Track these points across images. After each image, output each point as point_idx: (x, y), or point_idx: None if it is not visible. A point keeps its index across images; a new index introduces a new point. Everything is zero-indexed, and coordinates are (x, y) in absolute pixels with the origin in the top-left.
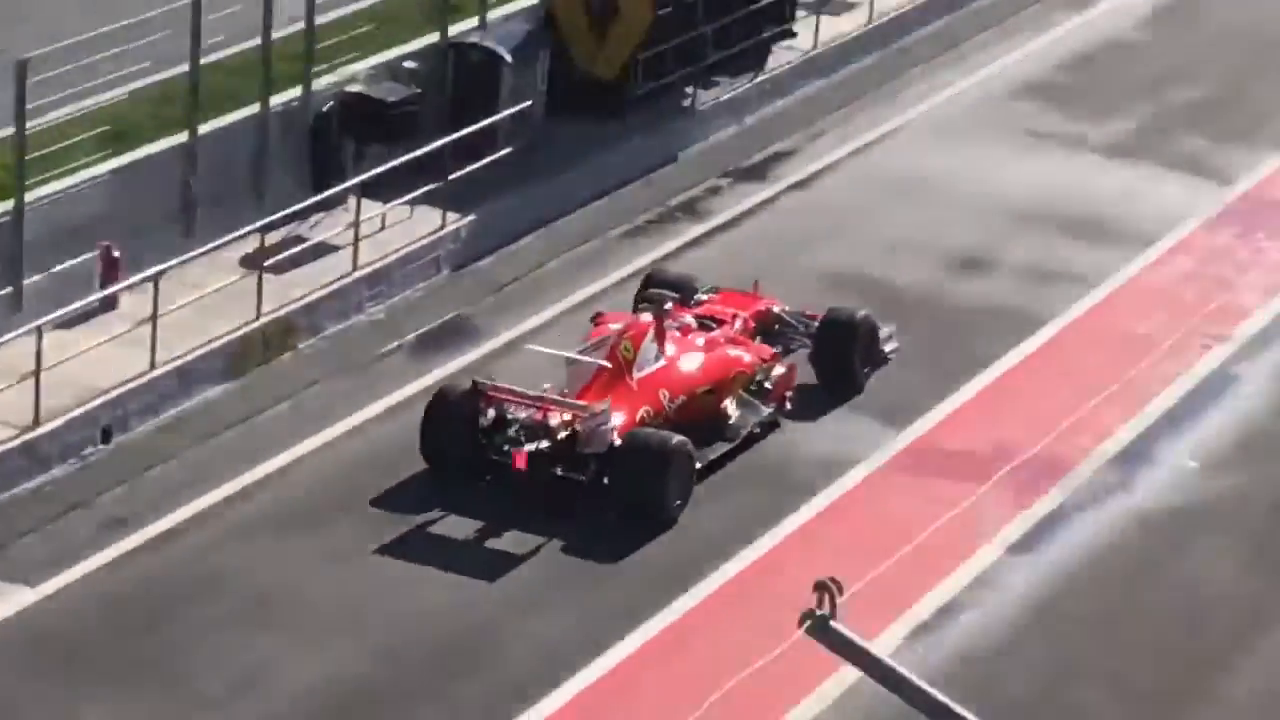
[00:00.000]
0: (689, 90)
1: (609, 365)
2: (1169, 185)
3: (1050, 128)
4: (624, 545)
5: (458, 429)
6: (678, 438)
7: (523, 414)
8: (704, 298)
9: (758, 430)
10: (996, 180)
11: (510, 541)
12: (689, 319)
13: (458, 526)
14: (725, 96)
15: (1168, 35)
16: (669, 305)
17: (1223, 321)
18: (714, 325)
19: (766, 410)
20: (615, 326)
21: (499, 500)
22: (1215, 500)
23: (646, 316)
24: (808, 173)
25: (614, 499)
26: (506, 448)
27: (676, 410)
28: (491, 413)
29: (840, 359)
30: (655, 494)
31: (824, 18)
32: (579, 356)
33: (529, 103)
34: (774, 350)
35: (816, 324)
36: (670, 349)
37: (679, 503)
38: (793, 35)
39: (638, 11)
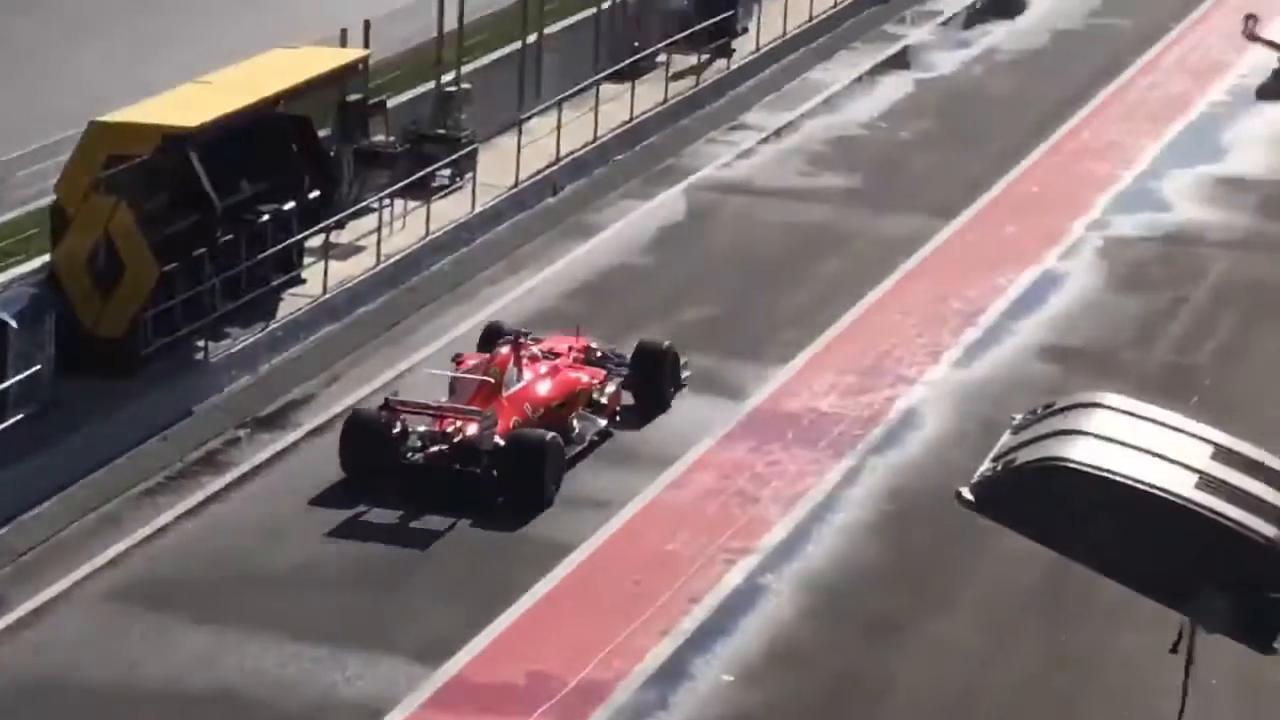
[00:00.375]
0: (200, 343)
1: (491, 380)
2: (685, 403)
3: None
4: (514, 522)
5: (371, 441)
6: (552, 434)
7: (422, 426)
8: (537, 338)
9: (595, 438)
10: None
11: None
12: (536, 350)
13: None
14: (237, 347)
15: (673, 257)
16: (520, 339)
17: (747, 535)
18: (554, 356)
19: (602, 422)
20: (474, 362)
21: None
22: (750, 712)
23: (505, 349)
24: (326, 418)
25: (502, 487)
26: (411, 454)
27: (537, 420)
28: (398, 425)
29: (653, 382)
30: (536, 481)
31: (332, 262)
32: (465, 375)
33: (37, 367)
34: (605, 373)
35: (628, 357)
36: (527, 374)
37: (554, 487)
38: (302, 281)
39: (142, 268)
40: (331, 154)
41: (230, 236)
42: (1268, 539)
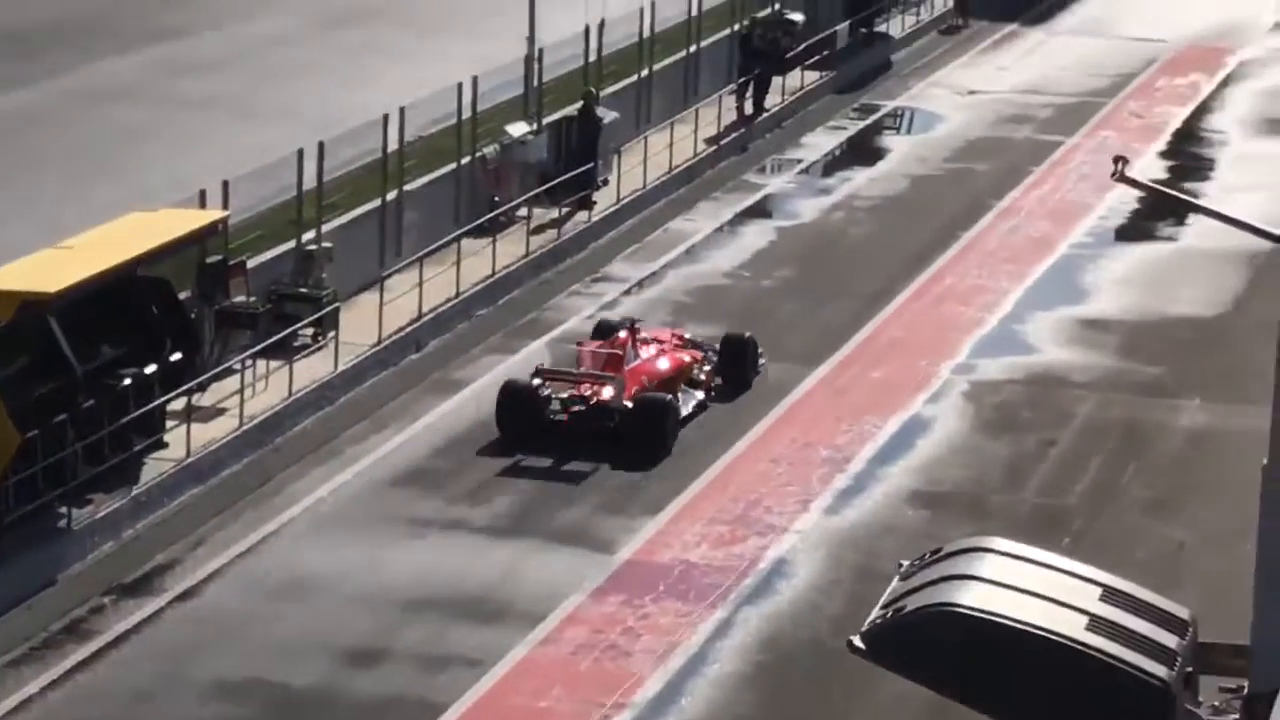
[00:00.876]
0: (62, 510)
1: (619, 353)
2: (554, 558)
3: (430, 513)
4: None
5: (522, 406)
6: (670, 396)
7: (564, 392)
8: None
9: (695, 409)
10: (382, 570)
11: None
12: (645, 335)
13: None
14: (101, 513)
15: None
16: (635, 326)
17: (621, 691)
18: (660, 341)
19: (700, 394)
20: (594, 347)
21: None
22: None
23: (623, 333)
24: (193, 582)
25: (630, 440)
26: (554, 414)
27: (652, 390)
28: (547, 390)
29: (738, 366)
30: (660, 433)
31: (195, 425)
32: (595, 350)
33: None
34: (703, 354)
35: (718, 344)
36: (643, 352)
37: (671, 440)
38: (164, 445)
39: (1, 436)
40: (192, 316)
41: (92, 401)
42: (1160, 680)
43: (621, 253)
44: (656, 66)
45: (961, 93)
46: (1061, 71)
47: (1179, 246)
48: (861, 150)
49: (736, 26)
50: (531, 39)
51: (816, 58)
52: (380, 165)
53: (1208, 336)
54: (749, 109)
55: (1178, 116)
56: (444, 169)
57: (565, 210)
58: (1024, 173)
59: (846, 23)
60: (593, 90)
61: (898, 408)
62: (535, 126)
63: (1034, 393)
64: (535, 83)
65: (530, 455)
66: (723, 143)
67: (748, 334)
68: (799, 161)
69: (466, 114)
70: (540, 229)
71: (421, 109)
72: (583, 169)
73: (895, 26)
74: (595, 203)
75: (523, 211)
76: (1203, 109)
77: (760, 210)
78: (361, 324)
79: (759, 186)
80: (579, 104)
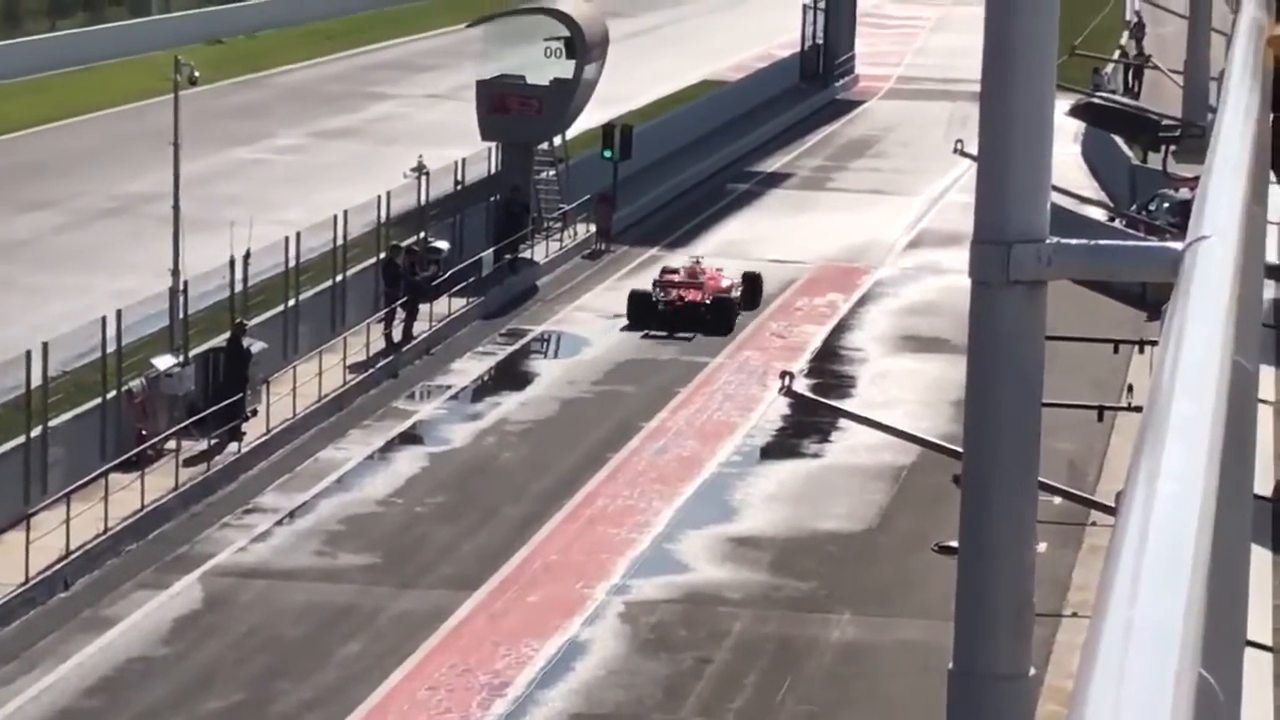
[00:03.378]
0: None
1: (699, 269)
2: None
3: None
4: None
5: (644, 302)
6: (732, 296)
7: (671, 292)
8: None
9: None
10: None
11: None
12: (704, 266)
13: None
14: None
15: (192, 647)
16: (698, 261)
17: None
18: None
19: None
20: (678, 274)
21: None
22: None
23: (691, 263)
24: None
25: (710, 324)
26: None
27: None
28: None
29: (753, 290)
30: (730, 321)
31: None
32: (685, 273)
33: None
34: (734, 281)
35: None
36: (701, 276)
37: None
38: None
39: None
40: None
41: None
42: None
43: (272, 483)
44: (303, 296)
45: (606, 315)
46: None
47: (824, 463)
48: (511, 375)
49: (382, 254)
50: (176, 271)
51: (463, 284)
52: (23, 402)
53: (856, 551)
54: (397, 336)
55: (818, 335)
56: (89, 403)
57: (214, 442)
58: (671, 393)
59: (491, 249)
60: (240, 321)
61: (555, 631)
62: (182, 358)
63: (689, 611)
64: (181, 315)
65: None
66: (372, 370)
67: (757, 272)
68: (449, 388)
69: (112, 347)
70: (190, 461)
71: (65, 344)
72: (231, 400)
73: (539, 252)
74: (245, 433)
75: (171, 444)
76: (841, 327)
77: (411, 437)
78: (7, 563)
79: (409, 413)
80: (226, 335)
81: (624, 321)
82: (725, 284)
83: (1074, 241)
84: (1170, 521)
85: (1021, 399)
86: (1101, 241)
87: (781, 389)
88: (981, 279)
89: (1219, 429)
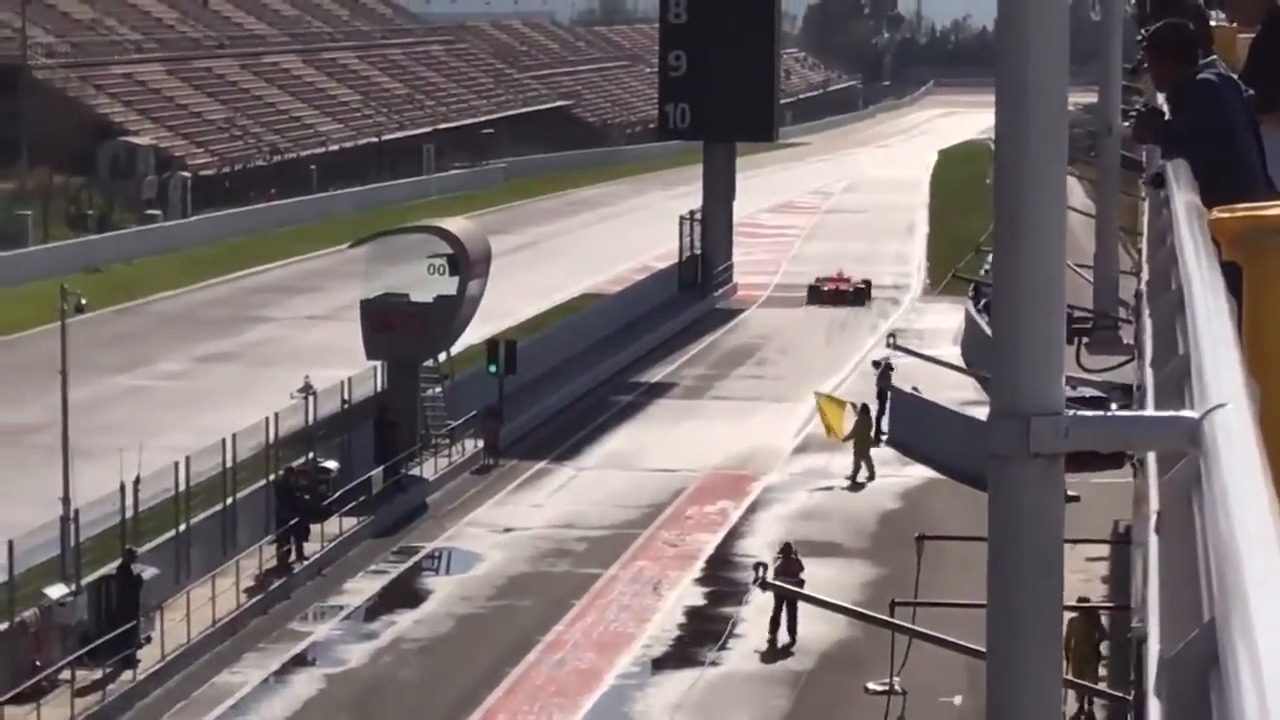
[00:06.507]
0: None
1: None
2: None
3: None
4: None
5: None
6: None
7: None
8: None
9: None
10: None
11: None
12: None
13: None
14: None
15: None
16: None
17: None
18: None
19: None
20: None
21: None
22: None
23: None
24: None
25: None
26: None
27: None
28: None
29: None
30: (868, 295)
31: None
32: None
33: None
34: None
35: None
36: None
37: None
38: None
39: None
40: None
41: None
42: None
43: (168, 711)
44: (193, 520)
45: (498, 530)
46: (594, 505)
47: (723, 671)
48: (404, 593)
49: (273, 476)
50: (66, 499)
51: (353, 503)
52: None
53: None
54: (290, 557)
55: (710, 543)
56: None
57: (109, 670)
58: (567, 606)
59: (380, 468)
60: (130, 548)
61: None
62: (74, 588)
63: None
64: (72, 543)
65: None
66: (265, 592)
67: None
68: (342, 608)
69: (3, 578)
70: (84, 691)
71: None
72: (124, 628)
73: (428, 469)
74: (139, 661)
75: (66, 674)
76: (734, 534)
77: (306, 659)
78: None
79: (304, 635)
80: (117, 562)
81: (516, 534)
82: (855, 279)
83: (1091, 414)
84: None
85: (1043, 573)
86: (1117, 414)
87: (756, 580)
88: (1000, 453)
89: None
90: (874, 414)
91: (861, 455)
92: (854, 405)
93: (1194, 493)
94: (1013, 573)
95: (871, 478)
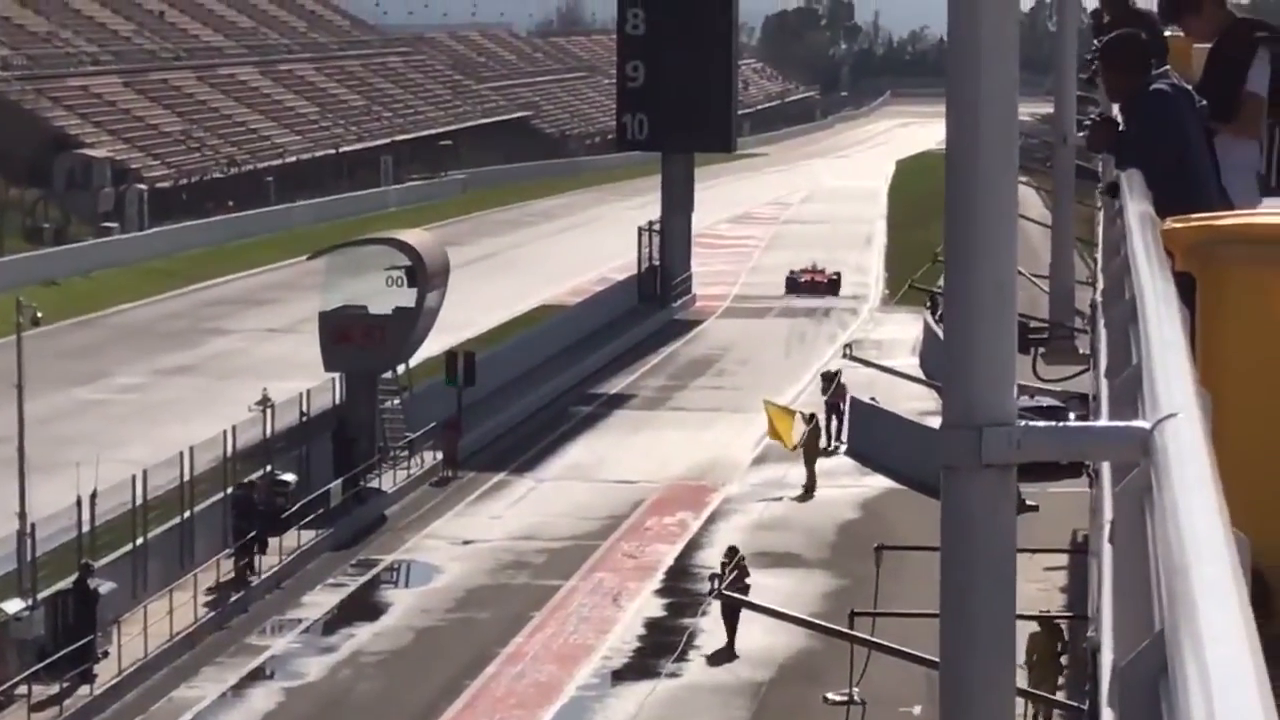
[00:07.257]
0: None
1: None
2: None
3: None
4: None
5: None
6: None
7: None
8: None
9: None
10: None
11: None
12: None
13: None
14: None
15: None
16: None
17: None
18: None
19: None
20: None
21: None
22: None
23: (818, 269)
24: None
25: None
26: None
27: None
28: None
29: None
30: (839, 285)
31: None
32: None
33: None
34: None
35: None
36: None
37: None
38: None
39: None
40: None
41: None
42: None
43: None
44: (151, 534)
45: (457, 542)
46: (554, 517)
47: (683, 682)
48: (363, 606)
49: (230, 489)
50: (22, 514)
51: (311, 516)
52: None
53: None
54: (248, 571)
55: (669, 554)
56: None
57: (66, 685)
58: (526, 618)
59: (339, 480)
60: (86, 562)
61: None
62: (30, 602)
63: None
64: (29, 557)
65: None
66: (223, 606)
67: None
68: (300, 621)
69: None
70: (40, 705)
71: None
72: (81, 642)
73: (387, 481)
74: (96, 675)
75: (22, 689)
76: (693, 545)
77: (264, 673)
78: None
79: (262, 649)
80: (74, 576)
81: (476, 546)
82: (829, 272)
83: (1042, 424)
84: (1229, 684)
85: (996, 583)
86: (1068, 424)
87: (712, 591)
88: (952, 464)
89: (1243, 589)
90: (822, 424)
91: (810, 465)
92: (803, 415)
93: (1145, 502)
94: (965, 583)
95: (811, 489)
